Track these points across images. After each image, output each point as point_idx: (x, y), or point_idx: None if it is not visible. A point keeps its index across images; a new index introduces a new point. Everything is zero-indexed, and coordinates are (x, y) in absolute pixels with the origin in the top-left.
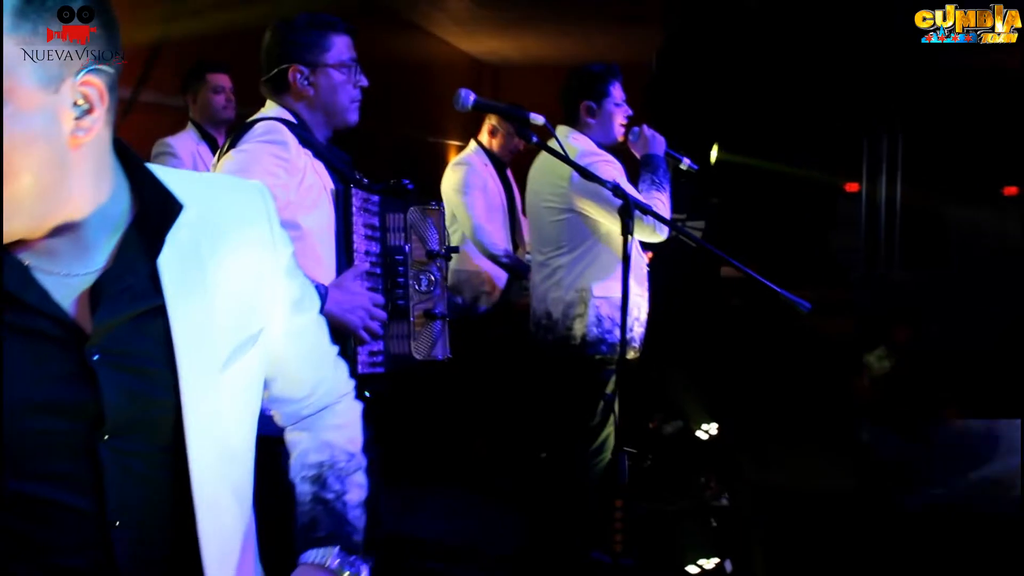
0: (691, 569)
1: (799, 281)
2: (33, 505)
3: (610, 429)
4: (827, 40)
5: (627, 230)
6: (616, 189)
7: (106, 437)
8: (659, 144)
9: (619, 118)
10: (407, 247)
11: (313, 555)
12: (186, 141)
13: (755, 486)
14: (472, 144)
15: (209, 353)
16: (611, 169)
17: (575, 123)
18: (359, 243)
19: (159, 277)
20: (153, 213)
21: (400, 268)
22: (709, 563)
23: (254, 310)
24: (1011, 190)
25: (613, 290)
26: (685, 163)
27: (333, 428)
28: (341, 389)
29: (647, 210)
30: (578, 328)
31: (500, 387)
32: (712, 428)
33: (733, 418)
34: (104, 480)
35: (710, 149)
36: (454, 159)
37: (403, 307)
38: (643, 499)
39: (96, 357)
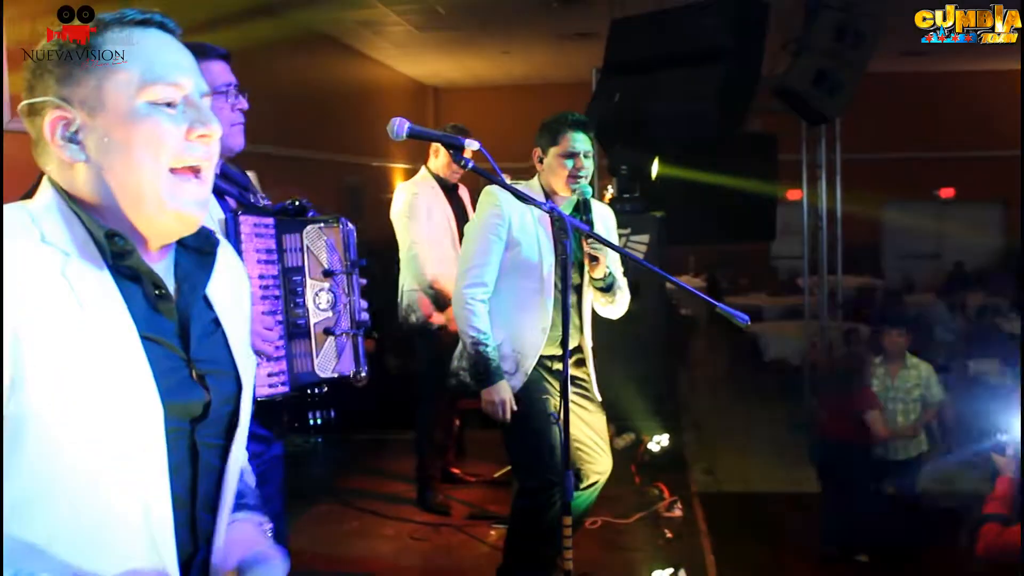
0: None
1: (746, 289)
2: (151, 490)
3: (548, 463)
4: (762, 50)
5: (564, 249)
6: (554, 210)
7: (200, 432)
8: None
9: (565, 167)
10: (305, 267)
11: (246, 515)
12: None
13: (707, 496)
14: (422, 170)
15: (246, 358)
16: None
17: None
18: (251, 268)
19: (207, 296)
20: (193, 240)
21: (299, 288)
22: (664, 573)
23: (247, 333)
24: (947, 192)
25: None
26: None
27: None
28: None
29: (584, 231)
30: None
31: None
32: (664, 439)
33: (685, 429)
34: (199, 469)
35: (651, 164)
36: (402, 183)
37: (303, 326)
38: (597, 513)
39: (200, 365)
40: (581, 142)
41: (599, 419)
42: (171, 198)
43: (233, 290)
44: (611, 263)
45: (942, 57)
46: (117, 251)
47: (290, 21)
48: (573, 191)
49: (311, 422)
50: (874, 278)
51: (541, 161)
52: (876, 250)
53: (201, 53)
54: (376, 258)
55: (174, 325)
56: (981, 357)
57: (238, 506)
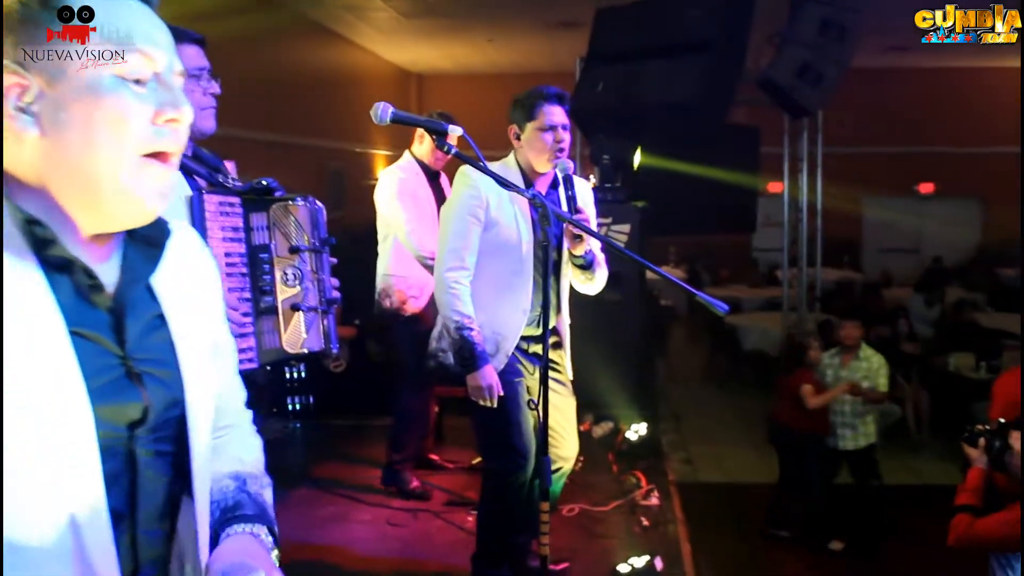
0: (622, 568)
1: (726, 281)
2: (84, 507)
3: (515, 444)
4: (746, 42)
5: (545, 237)
6: (535, 198)
7: (139, 439)
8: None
9: (544, 141)
10: (271, 244)
11: (243, 527)
12: None
13: (684, 484)
14: (405, 154)
15: (200, 357)
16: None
17: (513, 146)
18: (217, 246)
19: (152, 288)
20: (144, 228)
21: (265, 266)
22: (640, 561)
23: (214, 325)
24: (927, 187)
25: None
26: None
27: (242, 450)
28: (245, 416)
29: (567, 219)
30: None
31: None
32: (642, 428)
33: (663, 418)
34: (137, 481)
35: (633, 154)
36: (386, 168)
37: (270, 303)
38: (574, 501)
39: (136, 364)
40: (559, 115)
41: (569, 403)
42: (133, 183)
43: (188, 282)
44: (590, 239)
45: (924, 53)
46: (39, 239)
47: (275, 6)
48: (555, 166)
49: (290, 407)
50: (853, 271)
51: (518, 138)
52: (855, 244)
53: (175, 37)
54: (359, 244)
55: (109, 319)
56: (958, 351)
57: (235, 518)
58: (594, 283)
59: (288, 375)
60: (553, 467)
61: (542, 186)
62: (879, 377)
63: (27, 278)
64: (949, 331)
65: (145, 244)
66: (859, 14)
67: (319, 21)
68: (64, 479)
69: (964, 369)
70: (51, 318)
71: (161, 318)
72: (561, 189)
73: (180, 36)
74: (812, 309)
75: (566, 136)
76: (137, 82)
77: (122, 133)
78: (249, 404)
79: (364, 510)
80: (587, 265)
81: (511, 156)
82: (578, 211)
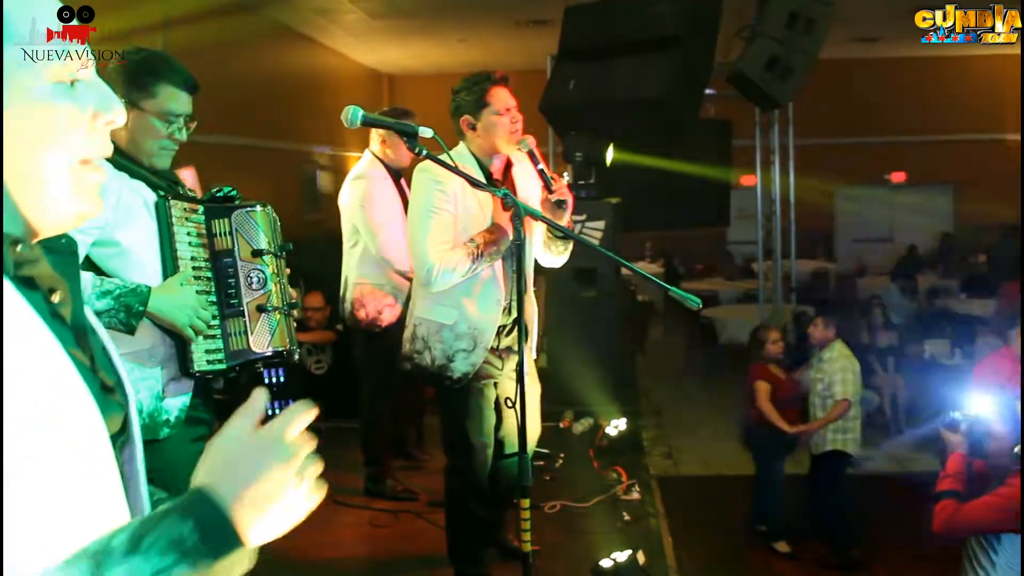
0: (604, 562)
1: (703, 274)
2: None
3: (475, 443)
4: (716, 36)
5: (518, 236)
6: (507, 197)
7: (116, 459)
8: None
9: (504, 124)
10: (235, 249)
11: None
12: None
13: (665, 479)
14: (367, 155)
15: (122, 365)
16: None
17: (463, 137)
18: (183, 250)
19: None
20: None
21: (229, 269)
22: (622, 555)
23: None
24: (898, 176)
25: (431, 313)
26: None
27: None
28: None
29: (538, 216)
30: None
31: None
32: (622, 424)
33: (642, 413)
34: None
35: (606, 150)
36: (351, 173)
37: (236, 305)
38: (556, 497)
39: (103, 376)
40: (508, 96)
41: (533, 390)
42: (78, 191)
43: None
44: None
45: (892, 43)
46: (19, 260)
47: (245, 9)
48: (519, 145)
49: (269, 412)
50: (827, 262)
51: (473, 128)
52: (829, 234)
53: (160, 75)
54: (340, 247)
55: (71, 333)
56: (933, 338)
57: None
58: (565, 255)
59: (267, 379)
60: (513, 450)
61: (496, 171)
62: (835, 384)
63: (15, 303)
64: (924, 319)
65: (48, 252)
66: (827, 5)
67: (289, 24)
68: (101, 518)
69: (939, 356)
70: (50, 341)
71: (90, 327)
72: (528, 164)
73: (162, 75)
74: (788, 301)
75: (519, 115)
76: (72, 83)
77: (64, 142)
78: (228, 407)
79: (346, 512)
80: (566, 236)
81: (462, 146)
82: (553, 179)
